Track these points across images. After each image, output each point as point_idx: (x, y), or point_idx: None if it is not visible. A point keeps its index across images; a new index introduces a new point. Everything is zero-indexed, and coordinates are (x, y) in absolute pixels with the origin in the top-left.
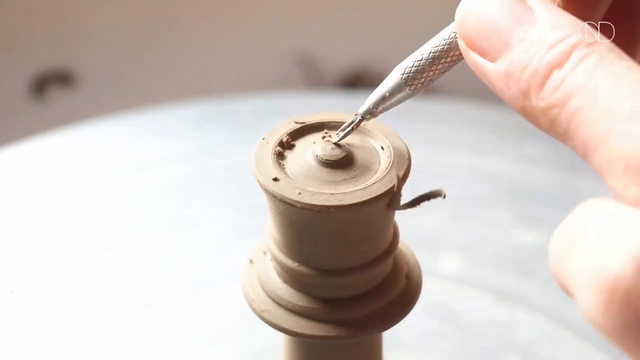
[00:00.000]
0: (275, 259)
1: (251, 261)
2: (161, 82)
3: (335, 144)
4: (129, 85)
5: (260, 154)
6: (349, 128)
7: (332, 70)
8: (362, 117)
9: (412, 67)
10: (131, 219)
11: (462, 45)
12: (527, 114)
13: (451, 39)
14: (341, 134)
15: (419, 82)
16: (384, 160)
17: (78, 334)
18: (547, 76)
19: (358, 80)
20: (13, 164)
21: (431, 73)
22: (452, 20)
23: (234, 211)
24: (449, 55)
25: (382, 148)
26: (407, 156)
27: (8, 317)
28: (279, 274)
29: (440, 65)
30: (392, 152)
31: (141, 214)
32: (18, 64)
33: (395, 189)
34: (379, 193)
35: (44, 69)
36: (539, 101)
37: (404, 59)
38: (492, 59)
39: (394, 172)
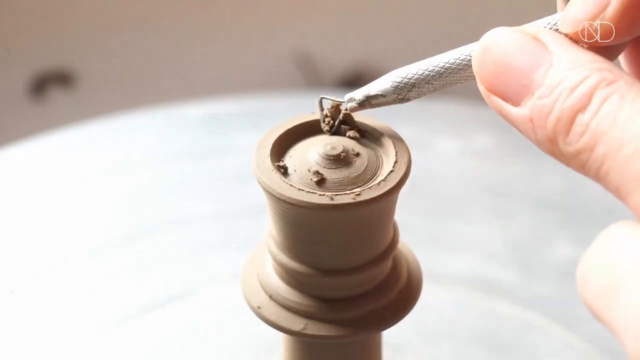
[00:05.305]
0: (274, 257)
1: (253, 257)
2: (161, 83)
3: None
4: (128, 86)
5: (260, 152)
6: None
7: (332, 70)
8: (345, 106)
9: (405, 78)
10: (131, 219)
11: (482, 89)
12: (557, 157)
13: (450, 64)
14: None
15: (407, 94)
16: (385, 163)
17: (78, 334)
18: (571, 122)
19: (358, 80)
20: (12, 164)
21: (423, 89)
22: (451, 20)
23: (234, 212)
24: (446, 79)
25: (384, 151)
26: (407, 160)
27: (8, 317)
28: (278, 272)
29: (434, 84)
30: (395, 156)
31: (141, 214)
32: (17, 64)
33: (392, 191)
34: (375, 195)
35: (43, 69)
36: (567, 147)
37: (404, 59)
38: (515, 103)
39: (393, 175)
